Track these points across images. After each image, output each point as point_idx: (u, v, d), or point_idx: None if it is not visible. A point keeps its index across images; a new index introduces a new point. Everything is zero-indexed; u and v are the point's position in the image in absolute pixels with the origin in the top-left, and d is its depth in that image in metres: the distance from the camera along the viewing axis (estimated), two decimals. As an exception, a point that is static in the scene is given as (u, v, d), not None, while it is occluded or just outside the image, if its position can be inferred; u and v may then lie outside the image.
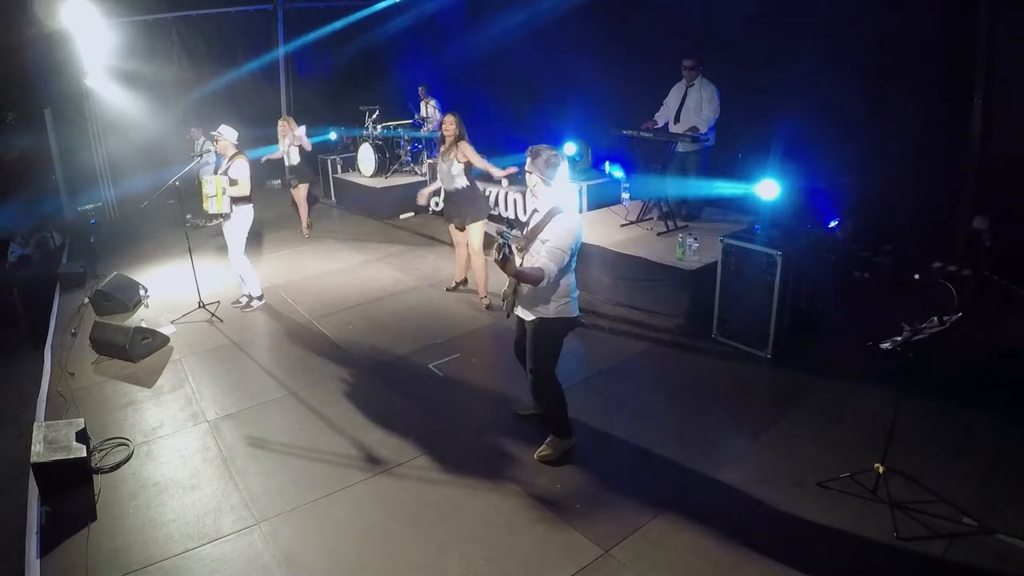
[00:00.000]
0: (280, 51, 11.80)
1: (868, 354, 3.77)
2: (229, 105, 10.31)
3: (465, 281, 6.46)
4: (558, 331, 3.67)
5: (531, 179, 3.55)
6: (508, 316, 3.84)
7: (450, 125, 5.62)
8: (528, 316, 3.65)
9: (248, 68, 11.53)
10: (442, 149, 5.77)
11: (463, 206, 5.77)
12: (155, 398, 4.86)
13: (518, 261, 3.54)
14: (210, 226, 8.87)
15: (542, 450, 3.91)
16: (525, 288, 3.54)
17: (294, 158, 8.36)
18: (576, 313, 3.69)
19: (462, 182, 5.69)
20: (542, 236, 3.46)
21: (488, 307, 6.02)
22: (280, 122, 8.41)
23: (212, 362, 5.37)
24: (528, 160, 3.53)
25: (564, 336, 3.72)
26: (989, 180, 5.68)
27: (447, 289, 6.47)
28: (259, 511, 3.58)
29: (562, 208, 3.50)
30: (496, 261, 3.23)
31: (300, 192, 8.61)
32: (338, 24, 11.25)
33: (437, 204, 9.30)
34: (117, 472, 3.97)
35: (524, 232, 3.61)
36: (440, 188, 5.99)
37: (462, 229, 5.95)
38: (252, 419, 4.50)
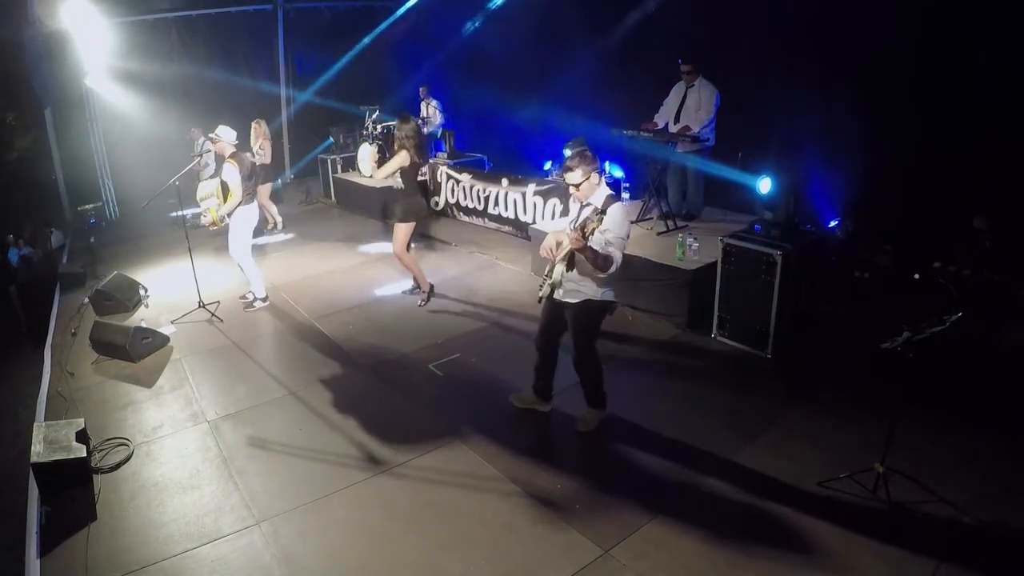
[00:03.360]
0: (280, 51, 11.81)
1: (868, 354, 3.77)
2: (229, 105, 10.30)
3: (431, 289, 6.38)
4: (601, 312, 3.93)
5: (585, 185, 3.71)
6: (540, 302, 4.06)
7: (396, 131, 6.00)
8: (573, 300, 3.86)
9: (248, 68, 11.54)
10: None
11: (392, 205, 6.22)
12: (155, 398, 4.86)
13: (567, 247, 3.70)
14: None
15: (582, 424, 4.15)
16: (573, 274, 3.77)
17: (266, 158, 8.62)
18: (613, 298, 3.94)
19: (396, 182, 6.03)
20: (600, 227, 3.56)
21: (423, 303, 6.24)
22: (253, 124, 8.64)
23: (212, 362, 5.37)
24: (586, 173, 3.68)
25: (604, 318, 3.98)
26: (989, 180, 5.68)
27: (419, 304, 6.25)
28: (259, 511, 3.58)
29: (616, 197, 3.78)
30: (576, 239, 3.42)
31: (264, 191, 8.65)
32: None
33: (437, 204, 9.32)
34: (117, 472, 3.97)
35: (575, 225, 3.73)
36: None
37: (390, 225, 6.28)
38: (252, 419, 4.50)
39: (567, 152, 7.92)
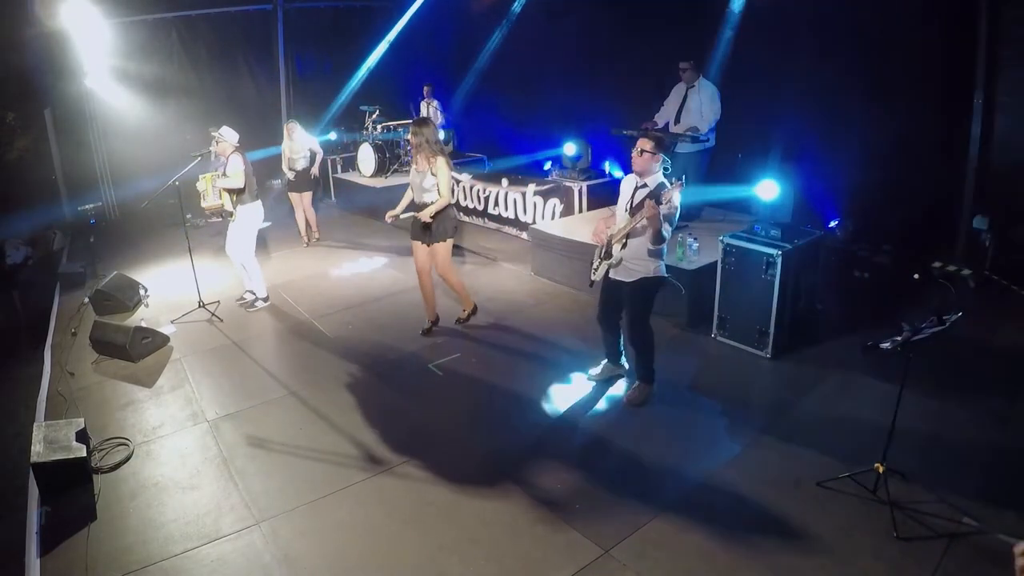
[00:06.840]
0: (280, 51, 11.81)
1: (868, 354, 3.77)
2: (229, 105, 10.29)
3: (437, 320, 5.76)
4: (656, 287, 4.24)
5: (654, 158, 4.04)
6: (591, 285, 4.42)
7: (412, 137, 5.21)
8: (630, 278, 4.17)
9: (248, 68, 11.53)
10: (414, 159, 5.28)
11: (431, 223, 5.23)
12: (155, 398, 4.86)
13: (621, 226, 4.10)
14: (210, 226, 8.88)
15: (631, 395, 4.43)
16: (628, 252, 4.10)
17: (299, 164, 8.24)
18: (666, 273, 4.27)
19: (433, 197, 5.16)
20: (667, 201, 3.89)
21: (460, 320, 5.74)
22: (287, 127, 8.32)
23: (212, 362, 5.37)
24: (659, 148, 4.05)
25: (658, 292, 4.28)
26: (989, 180, 5.69)
27: (421, 333, 5.63)
28: (259, 511, 3.58)
29: (668, 182, 4.05)
30: (652, 209, 3.75)
31: (306, 199, 8.46)
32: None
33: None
34: (117, 472, 3.97)
35: (631, 204, 4.08)
36: (410, 202, 5.44)
37: (428, 245, 5.36)
38: (252, 419, 4.50)
39: (568, 151, 7.96)
